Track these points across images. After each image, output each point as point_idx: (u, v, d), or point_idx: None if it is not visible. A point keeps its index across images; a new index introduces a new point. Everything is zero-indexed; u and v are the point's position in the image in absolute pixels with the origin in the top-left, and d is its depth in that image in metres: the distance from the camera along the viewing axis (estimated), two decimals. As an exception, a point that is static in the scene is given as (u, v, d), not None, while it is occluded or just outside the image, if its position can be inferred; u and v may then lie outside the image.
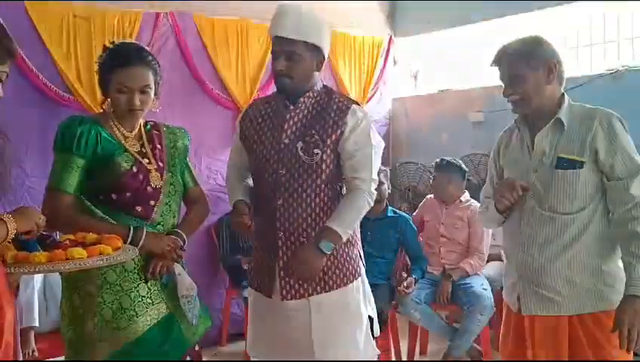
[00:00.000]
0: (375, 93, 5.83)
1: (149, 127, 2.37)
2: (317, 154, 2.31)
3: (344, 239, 2.31)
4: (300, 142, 2.32)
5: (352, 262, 2.43)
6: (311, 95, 2.38)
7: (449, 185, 4.25)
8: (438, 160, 4.36)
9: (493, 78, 5.88)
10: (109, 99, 2.25)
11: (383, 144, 2.49)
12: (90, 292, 2.13)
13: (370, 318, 2.47)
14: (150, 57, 2.27)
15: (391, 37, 5.94)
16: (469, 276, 4.05)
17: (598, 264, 2.16)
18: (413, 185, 5.62)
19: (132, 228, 2.15)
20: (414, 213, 4.57)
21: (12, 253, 1.74)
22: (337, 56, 5.46)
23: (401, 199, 5.68)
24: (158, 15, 4.33)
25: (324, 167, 2.32)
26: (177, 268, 2.26)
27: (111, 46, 2.27)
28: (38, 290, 3.42)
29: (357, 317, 2.42)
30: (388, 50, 5.92)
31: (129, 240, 2.13)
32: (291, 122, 2.37)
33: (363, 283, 2.49)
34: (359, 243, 2.52)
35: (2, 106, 3.50)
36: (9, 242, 1.68)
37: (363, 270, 2.50)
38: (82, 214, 2.16)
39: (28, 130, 3.69)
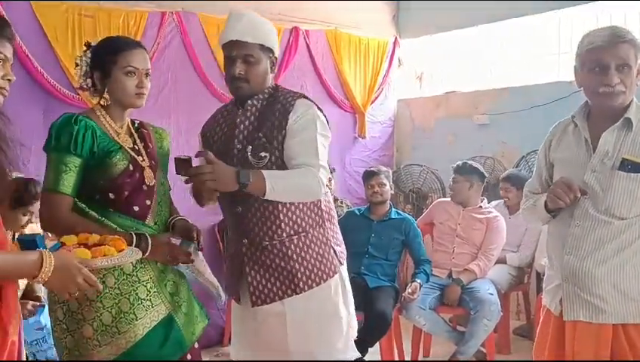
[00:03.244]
0: (380, 94, 5.82)
1: (136, 125, 2.31)
2: (265, 157, 2.28)
3: (266, 194, 2.14)
4: (250, 146, 2.30)
5: (325, 261, 2.37)
6: (260, 97, 2.36)
7: (470, 188, 4.24)
8: (459, 163, 4.34)
9: (498, 80, 5.83)
10: (105, 93, 2.18)
11: (329, 137, 2.37)
12: (89, 297, 2.07)
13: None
14: None
15: (396, 38, 5.93)
16: (476, 278, 4.04)
17: None
18: (418, 187, 5.60)
19: (135, 237, 2.11)
20: (420, 218, 4.55)
21: None
22: (342, 58, 5.46)
23: (405, 201, 5.66)
24: (163, 14, 4.33)
25: (274, 168, 2.28)
26: (196, 261, 2.31)
27: (92, 43, 2.21)
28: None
29: (335, 319, 2.39)
30: (393, 52, 5.90)
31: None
32: (242, 127, 2.35)
33: (342, 283, 2.43)
34: (335, 240, 2.45)
35: (6, 103, 3.51)
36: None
37: (342, 269, 2.44)
38: (83, 217, 2.10)
39: (32, 129, 3.68)
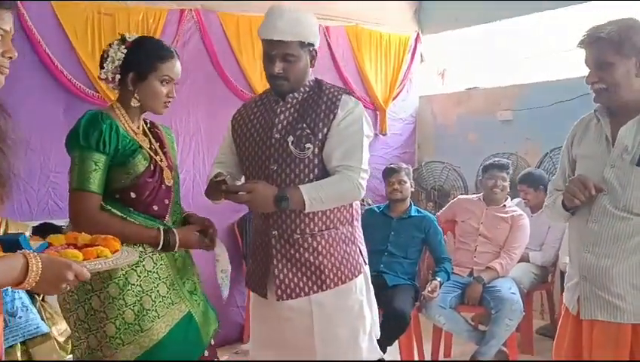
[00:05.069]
0: (401, 90, 5.76)
1: (148, 124, 2.32)
2: (308, 148, 2.27)
3: (306, 209, 2.20)
4: (291, 137, 2.29)
5: (351, 259, 2.37)
6: (302, 90, 2.36)
7: (498, 186, 4.19)
8: (487, 161, 4.29)
9: (522, 75, 5.72)
10: (136, 92, 2.16)
11: (372, 136, 2.39)
12: (112, 294, 2.06)
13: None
14: None
15: (418, 34, 5.87)
16: (498, 277, 3.97)
17: None
18: (440, 184, 5.54)
19: (162, 231, 2.15)
20: (440, 214, 4.49)
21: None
22: (363, 54, 5.41)
23: (427, 199, 5.61)
24: (182, 12, 4.32)
25: (316, 161, 2.28)
26: (217, 248, 2.35)
27: (129, 38, 2.20)
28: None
29: (360, 319, 2.38)
30: (415, 48, 5.84)
31: (161, 242, 2.13)
32: (282, 117, 2.34)
33: (366, 282, 2.44)
34: (360, 239, 2.46)
35: (27, 102, 3.54)
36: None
37: (365, 268, 2.44)
38: (115, 216, 2.10)
39: (53, 127, 3.71)
